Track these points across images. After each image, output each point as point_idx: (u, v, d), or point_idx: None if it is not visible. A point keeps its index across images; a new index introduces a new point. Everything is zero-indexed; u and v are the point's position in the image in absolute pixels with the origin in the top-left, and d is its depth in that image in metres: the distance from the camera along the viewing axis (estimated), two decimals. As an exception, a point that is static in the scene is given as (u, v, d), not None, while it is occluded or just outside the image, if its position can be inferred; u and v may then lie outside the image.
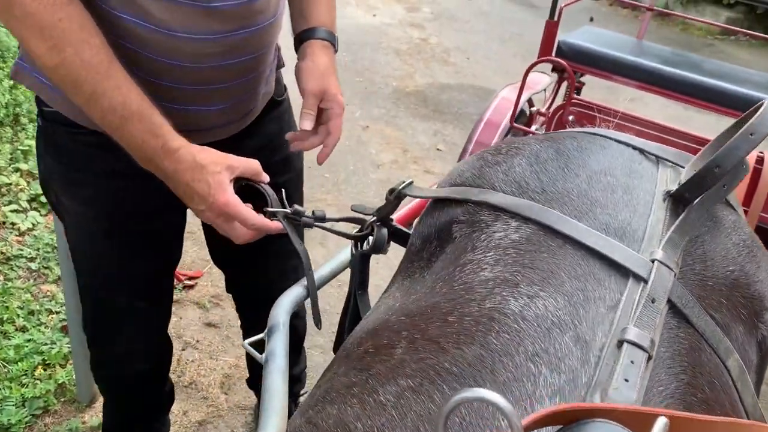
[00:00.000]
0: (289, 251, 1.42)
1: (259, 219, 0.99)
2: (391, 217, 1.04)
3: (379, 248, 1.02)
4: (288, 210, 1.01)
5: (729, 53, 6.06)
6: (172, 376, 2.10)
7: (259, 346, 0.93)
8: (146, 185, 1.11)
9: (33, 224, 2.56)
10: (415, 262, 0.84)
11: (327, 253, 2.76)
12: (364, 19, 5.66)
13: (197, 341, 2.24)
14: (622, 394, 0.52)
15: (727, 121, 2.62)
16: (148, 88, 0.95)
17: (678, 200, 0.74)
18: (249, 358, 1.80)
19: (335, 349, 1.17)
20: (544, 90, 2.56)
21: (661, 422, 0.37)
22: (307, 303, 1.04)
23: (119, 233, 1.19)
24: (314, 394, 0.71)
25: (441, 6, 6.35)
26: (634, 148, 0.85)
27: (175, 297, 2.37)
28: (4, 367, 1.95)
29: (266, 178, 1.03)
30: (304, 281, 1.05)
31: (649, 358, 0.57)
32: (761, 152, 1.90)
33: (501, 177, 0.80)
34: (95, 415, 1.90)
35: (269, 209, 1.01)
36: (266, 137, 1.25)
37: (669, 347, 0.62)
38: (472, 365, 0.58)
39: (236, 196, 0.97)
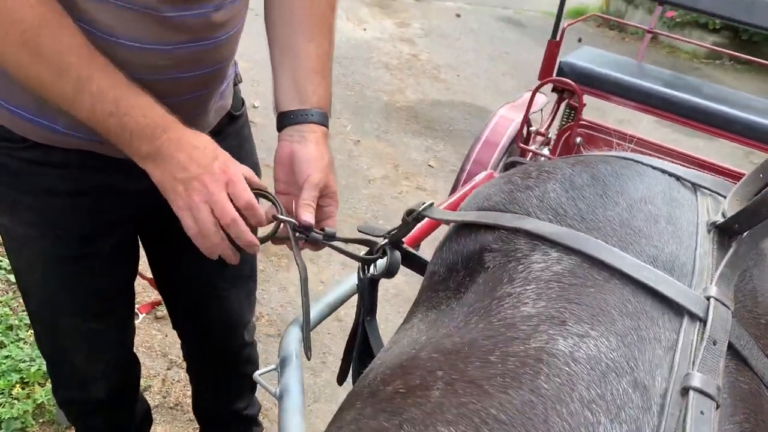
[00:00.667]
0: (242, 278, 1.35)
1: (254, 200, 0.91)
2: (402, 239, 1.00)
3: (393, 272, 0.96)
4: (295, 221, 0.94)
5: (715, 77, 6.13)
6: (157, 397, 2.02)
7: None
8: (94, 203, 1.06)
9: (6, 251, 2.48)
10: (440, 291, 0.79)
11: (318, 271, 2.70)
12: (354, 33, 5.64)
13: (183, 360, 2.16)
14: (698, 451, 0.47)
15: (720, 144, 2.62)
16: None
17: (725, 232, 0.70)
18: (199, 410, 1.70)
19: (340, 380, 1.10)
20: (541, 110, 2.54)
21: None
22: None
23: (65, 255, 1.11)
24: None
25: (431, 22, 6.36)
26: (670, 174, 0.81)
27: (160, 313, 2.29)
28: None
29: (265, 185, 0.96)
30: (315, 306, 1.00)
31: (717, 407, 0.52)
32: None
33: (535, 203, 0.75)
34: (75, 438, 1.81)
35: (279, 216, 0.93)
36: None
37: (730, 393, 0.57)
38: (521, 412, 0.53)
39: None
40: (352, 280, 1.06)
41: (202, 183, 0.86)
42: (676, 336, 0.58)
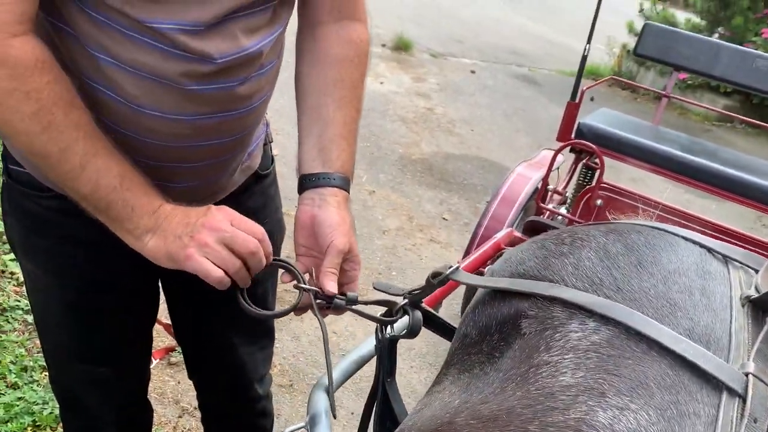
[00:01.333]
0: (260, 334, 1.36)
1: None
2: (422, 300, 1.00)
3: (415, 333, 0.96)
4: (317, 289, 0.95)
5: (727, 140, 6.19)
6: (168, 446, 2.00)
7: None
8: (112, 253, 1.05)
9: (26, 290, 2.50)
10: (472, 354, 0.80)
11: (330, 321, 2.69)
12: (371, 86, 5.75)
13: (195, 408, 2.13)
14: None
15: (731, 206, 2.64)
16: None
17: (759, 306, 0.71)
18: None
19: None
20: (557, 168, 2.57)
21: None
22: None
23: (82, 305, 1.11)
24: None
25: (446, 78, 6.48)
26: (702, 246, 0.82)
27: (174, 359, 2.29)
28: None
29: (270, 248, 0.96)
30: (340, 365, 1.00)
31: None
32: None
33: (570, 270, 0.77)
34: (85, 485, 1.79)
35: (302, 285, 0.95)
36: (246, 212, 1.18)
37: None
38: (564, 485, 0.54)
39: None
40: (372, 340, 1.06)
41: (209, 226, 0.87)
42: (716, 412, 0.59)
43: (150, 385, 2.07)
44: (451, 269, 0.92)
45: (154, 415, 2.00)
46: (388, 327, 0.99)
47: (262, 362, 1.41)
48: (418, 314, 0.96)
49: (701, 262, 0.78)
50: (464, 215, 3.92)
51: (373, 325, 1.01)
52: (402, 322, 0.99)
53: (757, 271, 0.77)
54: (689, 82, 6.74)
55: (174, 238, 0.87)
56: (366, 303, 0.98)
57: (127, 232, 0.89)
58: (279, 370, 2.39)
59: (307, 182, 1.00)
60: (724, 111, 4.01)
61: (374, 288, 1.02)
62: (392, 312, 0.98)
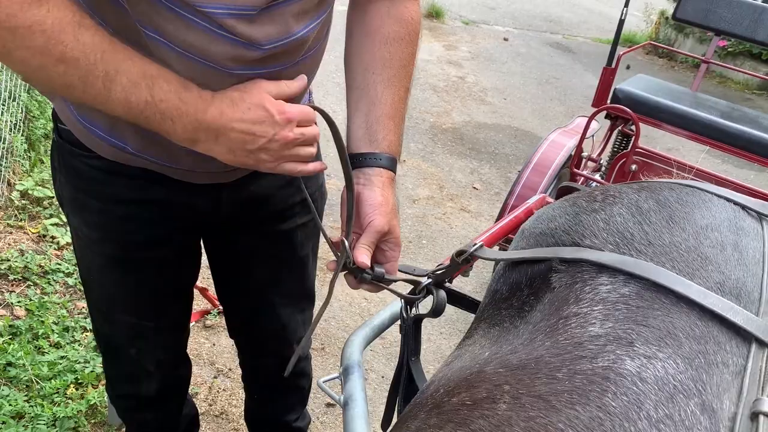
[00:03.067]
0: (300, 295, 1.39)
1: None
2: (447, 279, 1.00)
3: (440, 312, 0.96)
4: (349, 255, 0.96)
5: (767, 108, 6.01)
6: (203, 404, 2.06)
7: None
8: (156, 212, 1.09)
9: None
10: (503, 309, 0.81)
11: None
12: (402, 55, 5.71)
13: (230, 369, 2.20)
14: (771, 474, 0.48)
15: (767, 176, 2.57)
16: None
17: None
18: (251, 420, 1.71)
19: (384, 426, 1.10)
20: (593, 136, 2.54)
21: None
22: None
23: (125, 260, 1.15)
24: None
25: (479, 46, 6.40)
26: (736, 203, 0.81)
27: (209, 322, 2.35)
28: (38, 383, 1.93)
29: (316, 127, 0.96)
30: (373, 321, 1.02)
31: None
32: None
33: (601, 225, 0.77)
34: (125, 440, 1.87)
35: (338, 248, 0.96)
36: (285, 177, 1.17)
37: None
38: (589, 428, 0.54)
39: None
40: (397, 303, 1.07)
41: (283, 140, 0.88)
42: (744, 362, 0.59)
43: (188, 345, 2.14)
44: (475, 246, 0.92)
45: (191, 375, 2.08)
46: (413, 308, 1.00)
47: (302, 323, 1.44)
48: (442, 293, 0.96)
49: (734, 218, 0.77)
50: (495, 185, 3.90)
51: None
52: (429, 300, 0.99)
53: None
54: (729, 49, 6.54)
55: (246, 153, 0.88)
56: (392, 280, 0.99)
57: (179, 141, 0.87)
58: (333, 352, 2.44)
59: (354, 161, 1.00)
60: (763, 76, 3.87)
61: (399, 270, 1.02)
62: (416, 291, 0.99)
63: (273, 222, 1.22)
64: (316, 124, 0.94)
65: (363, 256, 0.94)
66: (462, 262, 0.93)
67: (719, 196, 0.81)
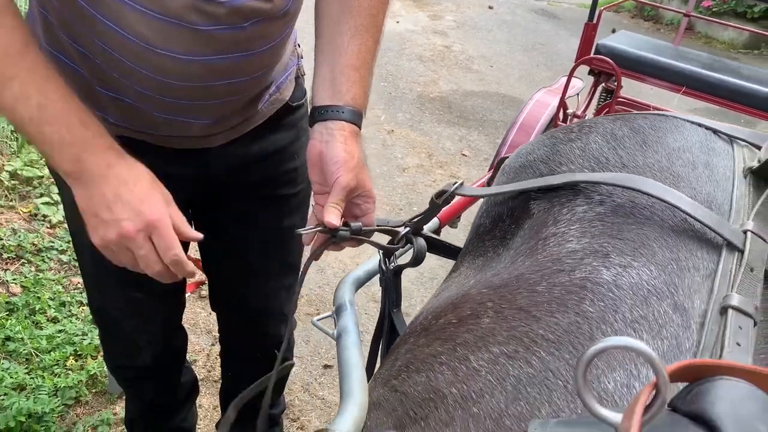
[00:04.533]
0: (285, 269, 1.34)
1: (190, 231, 0.87)
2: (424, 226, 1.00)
3: (420, 260, 0.95)
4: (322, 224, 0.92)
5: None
6: (202, 371, 2.09)
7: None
8: None
9: (64, 217, 2.58)
10: (486, 240, 0.83)
11: (356, 254, 2.75)
12: (387, 26, 5.67)
13: (227, 337, 2.23)
14: (738, 359, 0.51)
15: (759, 129, 2.60)
16: (126, 92, 0.88)
17: (761, 176, 0.73)
18: (225, 398, 1.68)
19: (368, 372, 1.11)
20: (578, 95, 2.55)
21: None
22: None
23: None
24: (392, 366, 0.70)
25: (463, 14, 6.37)
26: (707, 128, 0.84)
27: (204, 293, 2.37)
28: (37, 356, 1.96)
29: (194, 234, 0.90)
30: (365, 266, 1.03)
31: (755, 324, 0.55)
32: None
33: (577, 153, 0.79)
34: (127, 407, 1.90)
35: (301, 231, 0.92)
36: (275, 144, 1.15)
37: (766, 316, 0.61)
38: (568, 332, 0.57)
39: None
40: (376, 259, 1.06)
41: (125, 234, 0.81)
42: (715, 265, 0.62)
43: (183, 315, 2.16)
44: (455, 185, 0.92)
45: (188, 343, 2.10)
46: (392, 259, 0.99)
47: (286, 301, 1.41)
48: (421, 241, 0.96)
49: (706, 141, 0.80)
50: (484, 151, 3.91)
51: None
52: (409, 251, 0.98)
53: (760, 148, 0.79)
54: (714, 9, 6.54)
55: (93, 213, 0.83)
56: (370, 230, 0.96)
57: (58, 169, 0.82)
58: (306, 300, 2.47)
59: (316, 115, 0.96)
60: (753, 29, 3.85)
61: (376, 225, 0.99)
62: (395, 242, 0.98)
63: (262, 189, 1.20)
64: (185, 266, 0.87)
65: (331, 216, 0.90)
66: (442, 203, 0.93)
67: (691, 122, 0.84)
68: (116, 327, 1.32)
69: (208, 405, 1.98)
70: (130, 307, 1.26)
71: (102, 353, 1.87)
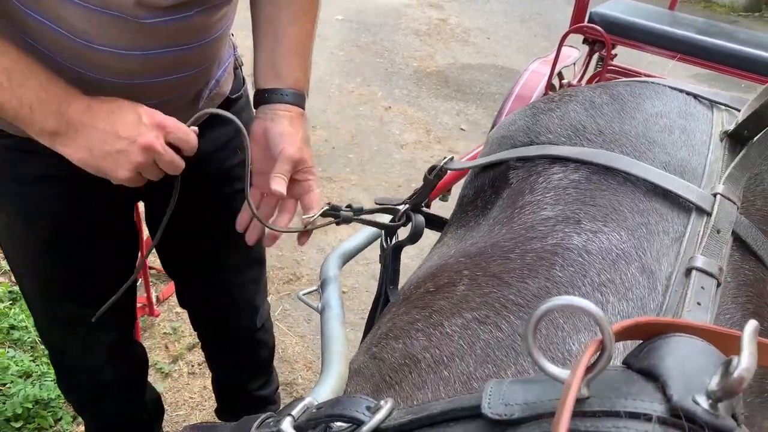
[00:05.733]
0: (249, 262, 1.33)
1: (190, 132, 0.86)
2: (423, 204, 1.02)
3: (418, 237, 0.97)
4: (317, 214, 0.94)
5: (753, 30, 5.95)
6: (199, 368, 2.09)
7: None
8: (78, 188, 1.00)
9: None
10: (469, 211, 0.84)
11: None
12: (381, 0, 5.64)
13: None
14: (696, 317, 0.52)
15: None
16: None
17: (736, 139, 0.74)
18: (216, 385, 1.69)
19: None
20: (574, 64, 2.53)
21: (752, 325, 0.36)
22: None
23: (54, 243, 1.07)
24: (374, 334, 0.72)
25: (459, -13, 6.30)
26: (688, 93, 0.84)
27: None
28: (41, 344, 1.98)
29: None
30: (352, 241, 1.04)
31: (718, 285, 0.56)
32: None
33: (556, 122, 0.80)
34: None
35: (258, 216, 0.94)
36: (219, 141, 1.14)
37: (734, 278, 0.62)
38: (537, 296, 0.58)
39: None
40: (369, 228, 1.08)
41: (148, 146, 0.81)
42: (684, 229, 0.63)
43: (161, 321, 2.15)
44: (445, 160, 0.94)
45: (171, 345, 2.10)
46: (392, 238, 1.00)
47: (255, 294, 1.40)
48: (420, 218, 0.98)
49: (684, 106, 0.80)
50: (482, 124, 3.90)
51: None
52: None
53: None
54: (714, -29, 6.45)
55: (105, 154, 0.81)
56: (370, 212, 0.99)
57: (36, 135, 0.81)
58: (307, 280, 2.49)
59: (260, 98, 0.98)
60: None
61: (375, 203, 1.03)
62: (395, 219, 1.00)
63: (211, 187, 1.18)
64: (195, 157, 0.89)
65: (277, 184, 0.90)
66: (435, 178, 0.94)
67: (672, 88, 0.84)
68: (65, 346, 1.27)
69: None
70: (77, 324, 1.21)
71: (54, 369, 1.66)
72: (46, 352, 1.93)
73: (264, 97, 0.97)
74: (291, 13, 0.98)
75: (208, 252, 1.26)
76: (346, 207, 0.97)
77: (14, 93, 0.76)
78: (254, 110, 0.99)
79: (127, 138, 0.80)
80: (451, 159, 0.94)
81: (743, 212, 0.67)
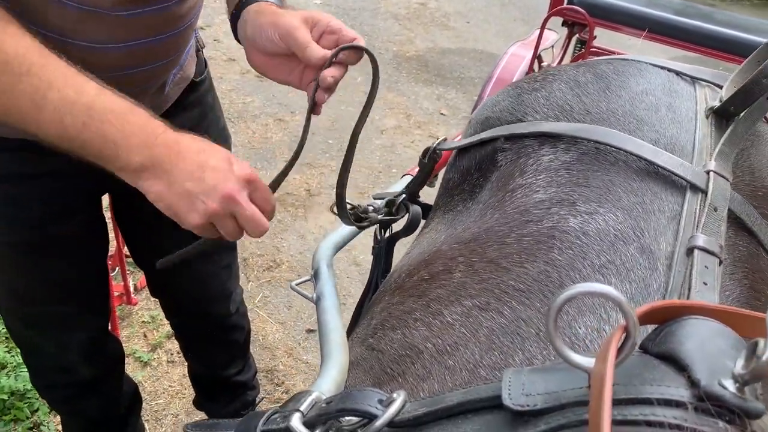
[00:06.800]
0: (221, 251, 1.31)
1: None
2: (418, 195, 1.00)
3: (414, 228, 0.95)
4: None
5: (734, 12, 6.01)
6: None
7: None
8: (50, 185, 0.98)
9: None
10: (455, 195, 0.83)
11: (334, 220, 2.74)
12: (360, -14, 5.58)
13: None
14: (705, 297, 0.51)
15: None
16: None
17: (722, 115, 0.74)
18: (193, 375, 1.66)
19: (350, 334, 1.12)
20: (552, 46, 2.52)
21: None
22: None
23: (23, 242, 1.03)
24: (368, 325, 0.70)
25: (438, -29, 6.26)
26: (670, 70, 0.83)
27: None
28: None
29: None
30: (342, 230, 1.02)
31: (720, 263, 0.56)
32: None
33: (542, 102, 0.78)
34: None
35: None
36: (185, 125, 1.05)
37: (730, 254, 0.61)
38: (538, 281, 0.57)
39: None
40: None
41: (228, 197, 0.73)
42: (680, 207, 0.62)
43: (139, 309, 2.12)
44: (438, 141, 0.93)
45: (150, 333, 2.06)
46: (387, 230, 0.99)
47: (227, 280, 1.37)
48: (417, 209, 0.96)
49: (668, 83, 0.79)
50: (462, 109, 3.89)
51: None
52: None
53: (722, 88, 0.79)
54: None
55: (184, 193, 0.72)
56: (376, 220, 0.94)
57: (118, 171, 0.73)
58: (287, 266, 2.47)
59: (234, 20, 0.87)
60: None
61: (374, 198, 1.01)
62: (392, 211, 0.97)
63: None
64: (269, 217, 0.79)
65: (316, 51, 0.78)
66: (429, 160, 0.93)
67: (654, 65, 0.83)
68: (41, 345, 1.23)
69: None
70: (52, 323, 1.18)
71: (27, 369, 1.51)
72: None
73: (241, 3, 0.86)
74: None
75: (177, 240, 1.23)
76: (355, 208, 0.92)
77: (98, 129, 0.69)
78: (239, 30, 0.87)
79: (211, 181, 0.72)
80: (444, 140, 0.93)
81: (734, 188, 0.67)
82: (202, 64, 1.16)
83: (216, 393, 1.64)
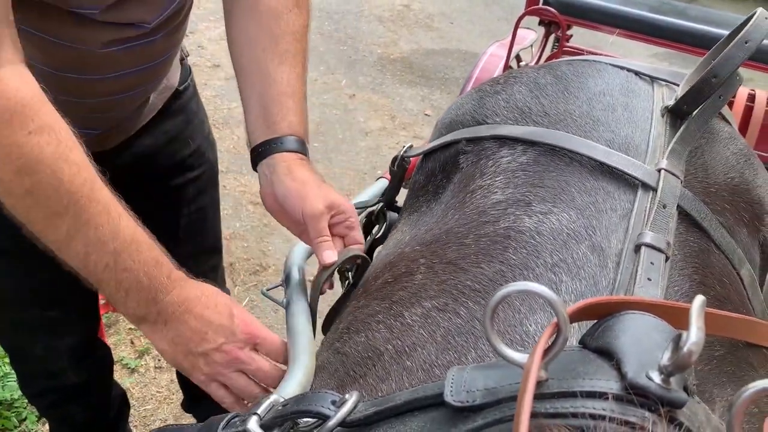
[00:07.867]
0: (206, 251, 1.31)
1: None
2: (395, 201, 1.02)
3: None
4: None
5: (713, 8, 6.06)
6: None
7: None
8: None
9: None
10: (420, 196, 0.85)
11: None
12: (344, -12, 5.59)
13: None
14: (648, 293, 0.53)
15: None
16: None
17: (676, 114, 0.76)
18: (181, 378, 1.65)
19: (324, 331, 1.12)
20: (531, 46, 2.55)
21: (699, 300, 0.37)
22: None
23: (12, 248, 1.01)
24: (336, 329, 0.72)
25: (421, -28, 6.28)
26: (629, 70, 0.86)
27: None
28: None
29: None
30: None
31: (666, 259, 0.58)
32: (752, 90, 1.91)
33: (502, 104, 0.80)
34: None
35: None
36: (168, 134, 1.12)
37: (680, 250, 0.63)
38: (493, 280, 0.59)
39: None
40: None
41: (229, 354, 0.73)
42: (631, 205, 0.64)
43: None
44: (405, 148, 0.95)
45: (137, 340, 2.05)
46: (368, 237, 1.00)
47: (213, 282, 1.33)
48: (394, 215, 0.97)
49: (626, 83, 0.82)
50: (447, 109, 3.91)
51: None
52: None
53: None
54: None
55: (184, 351, 0.74)
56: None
57: (127, 316, 0.75)
58: (273, 270, 2.48)
59: (256, 155, 0.88)
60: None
61: (356, 208, 0.97)
62: (371, 221, 0.99)
63: (162, 180, 1.16)
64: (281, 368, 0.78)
65: (326, 253, 0.81)
66: (398, 168, 0.95)
67: (614, 66, 0.85)
68: (29, 351, 1.23)
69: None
70: (39, 328, 1.18)
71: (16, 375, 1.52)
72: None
73: (258, 152, 0.87)
74: (278, 55, 0.90)
75: (163, 243, 1.23)
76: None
77: (116, 276, 0.71)
78: (260, 170, 0.88)
79: (212, 342, 0.73)
80: (410, 147, 0.96)
81: (686, 185, 0.69)
82: (186, 72, 1.17)
83: (204, 395, 1.64)
